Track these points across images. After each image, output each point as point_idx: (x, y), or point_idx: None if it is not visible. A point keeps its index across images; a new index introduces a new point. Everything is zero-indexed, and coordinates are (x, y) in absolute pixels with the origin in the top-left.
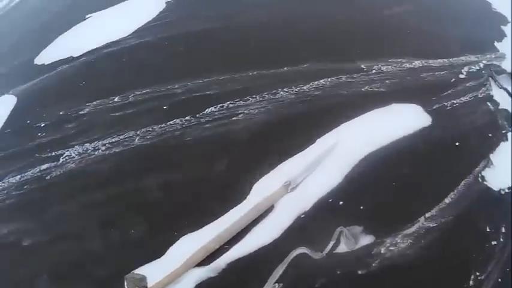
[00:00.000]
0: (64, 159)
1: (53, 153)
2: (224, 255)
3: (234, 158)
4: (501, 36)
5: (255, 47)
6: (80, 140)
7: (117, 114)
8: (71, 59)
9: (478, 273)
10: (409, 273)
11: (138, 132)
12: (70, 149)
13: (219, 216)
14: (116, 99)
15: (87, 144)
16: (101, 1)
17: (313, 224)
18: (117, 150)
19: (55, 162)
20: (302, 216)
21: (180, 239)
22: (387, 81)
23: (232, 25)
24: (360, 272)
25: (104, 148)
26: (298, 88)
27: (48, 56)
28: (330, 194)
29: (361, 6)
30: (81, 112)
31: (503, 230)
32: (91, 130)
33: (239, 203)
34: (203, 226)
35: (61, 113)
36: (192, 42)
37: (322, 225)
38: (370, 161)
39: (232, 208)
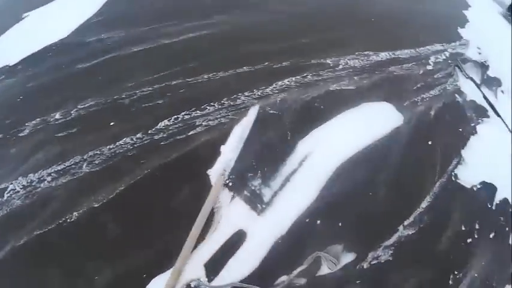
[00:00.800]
0: (9, 194)
1: None
2: None
3: (199, 184)
4: (464, 22)
5: (209, 46)
6: (23, 169)
7: (60, 135)
8: (7, 69)
9: (456, 273)
10: (390, 283)
11: (85, 157)
12: (14, 182)
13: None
14: (57, 116)
15: (31, 174)
16: None
17: (292, 249)
18: (64, 181)
19: (0, 199)
20: (279, 241)
21: (151, 281)
22: (355, 77)
23: (183, 20)
24: None
25: (50, 179)
26: (261, 91)
27: None
28: (306, 213)
29: None
30: (21, 134)
31: (476, 226)
32: (33, 156)
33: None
34: (174, 263)
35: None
36: (138, 42)
37: (302, 248)
38: (344, 171)
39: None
